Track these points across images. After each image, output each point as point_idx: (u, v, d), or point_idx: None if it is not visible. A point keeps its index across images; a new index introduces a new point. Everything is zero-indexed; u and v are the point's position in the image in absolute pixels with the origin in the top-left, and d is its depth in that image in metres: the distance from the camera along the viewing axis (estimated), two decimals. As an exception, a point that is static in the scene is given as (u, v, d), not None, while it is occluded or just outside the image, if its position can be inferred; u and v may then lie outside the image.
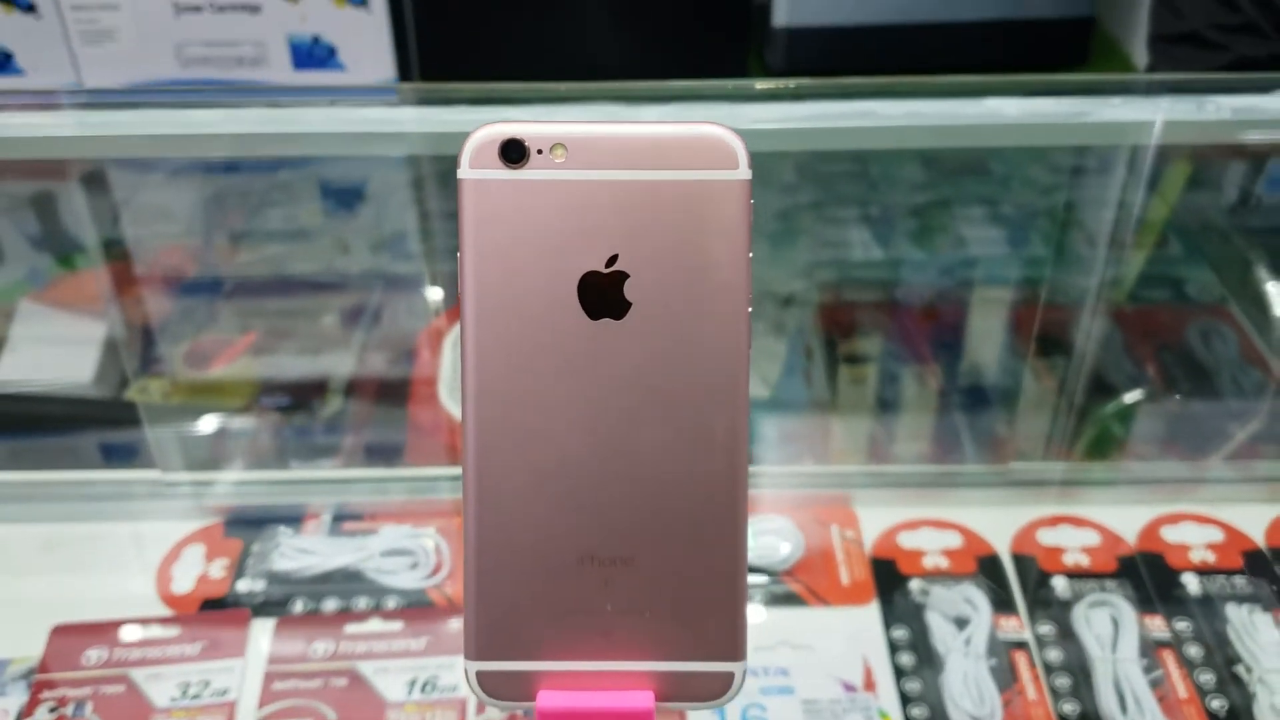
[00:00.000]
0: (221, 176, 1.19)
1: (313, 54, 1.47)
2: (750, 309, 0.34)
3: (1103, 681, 0.70)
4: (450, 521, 0.80)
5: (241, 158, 1.03)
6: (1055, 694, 0.70)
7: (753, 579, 0.77)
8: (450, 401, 0.93)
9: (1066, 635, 0.73)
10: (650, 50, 1.61)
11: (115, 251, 1.04)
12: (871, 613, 0.75)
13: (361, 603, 0.76)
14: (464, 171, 0.33)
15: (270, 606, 0.75)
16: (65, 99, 0.85)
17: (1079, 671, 0.71)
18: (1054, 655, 0.72)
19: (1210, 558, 0.78)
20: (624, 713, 0.35)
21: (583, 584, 0.34)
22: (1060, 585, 0.76)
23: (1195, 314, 0.98)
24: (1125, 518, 0.81)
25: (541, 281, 0.33)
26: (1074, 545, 0.79)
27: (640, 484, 0.34)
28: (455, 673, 0.71)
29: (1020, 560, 0.78)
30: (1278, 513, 0.81)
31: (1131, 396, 0.92)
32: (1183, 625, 0.74)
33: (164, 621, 0.74)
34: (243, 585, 0.77)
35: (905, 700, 0.70)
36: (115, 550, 0.81)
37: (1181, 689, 0.70)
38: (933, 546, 0.79)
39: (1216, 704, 0.69)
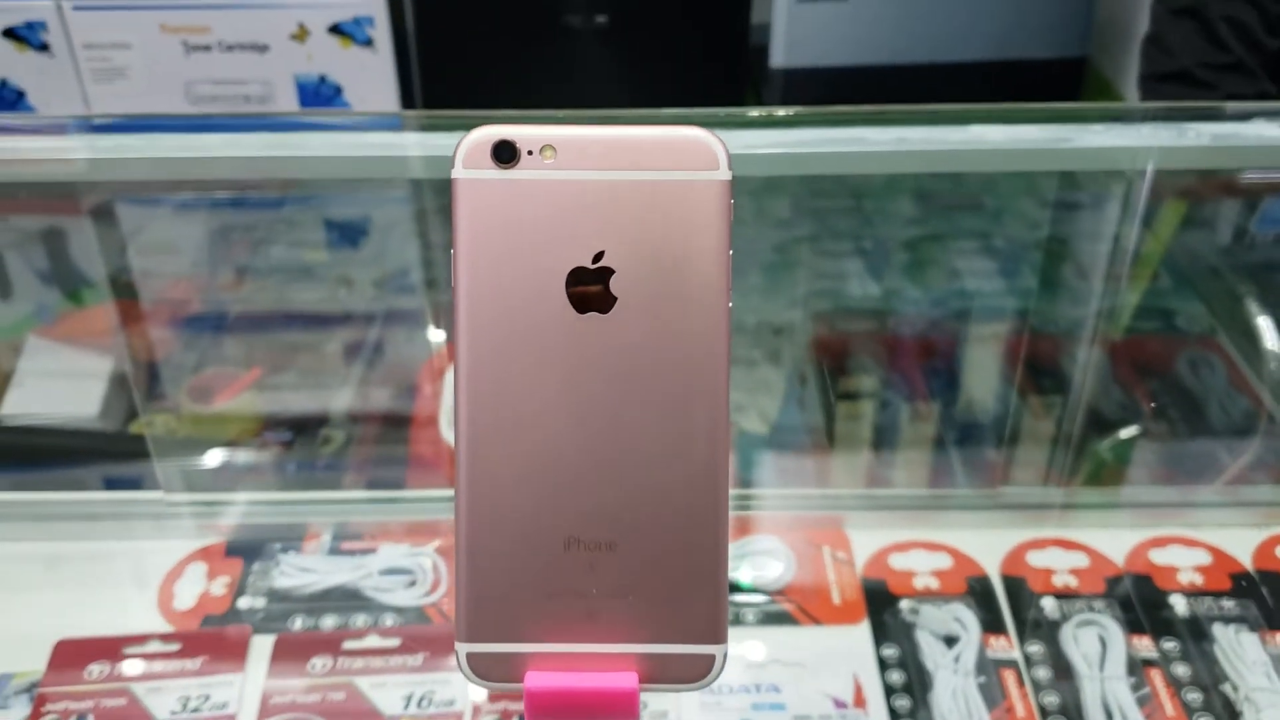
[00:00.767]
0: (227, 212, 1.21)
1: (319, 93, 1.49)
2: (730, 304, 0.35)
3: (1091, 700, 0.71)
4: (448, 541, 0.81)
5: (247, 184, 1.05)
6: (1044, 712, 0.71)
7: (746, 598, 0.78)
8: (451, 434, 0.95)
9: (1055, 654, 0.74)
10: (648, 91, 1.64)
11: (122, 286, 1.05)
12: (862, 632, 0.76)
13: (360, 620, 0.77)
14: (457, 171, 0.35)
15: (270, 623, 0.77)
16: (72, 126, 0.87)
17: (1067, 690, 0.72)
18: (1042, 674, 0.73)
19: (1198, 580, 0.79)
20: (608, 693, 0.36)
21: (569, 568, 0.36)
22: (1049, 605, 0.77)
23: (1185, 344, 1.00)
24: (1114, 541, 0.82)
25: (531, 277, 0.35)
26: (1063, 567, 0.80)
27: (624, 471, 0.36)
28: (452, 688, 0.72)
29: (1009, 581, 0.79)
30: (1265, 536, 0.82)
31: (1125, 431, 0.94)
32: (1170, 645, 0.75)
33: (165, 637, 0.75)
34: (243, 602, 0.78)
35: (895, 716, 0.70)
36: (118, 569, 0.82)
37: (1169, 707, 0.71)
38: (923, 568, 0.80)
39: (1203, 722, 0.70)
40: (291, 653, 0.74)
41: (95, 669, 0.73)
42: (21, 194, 1.09)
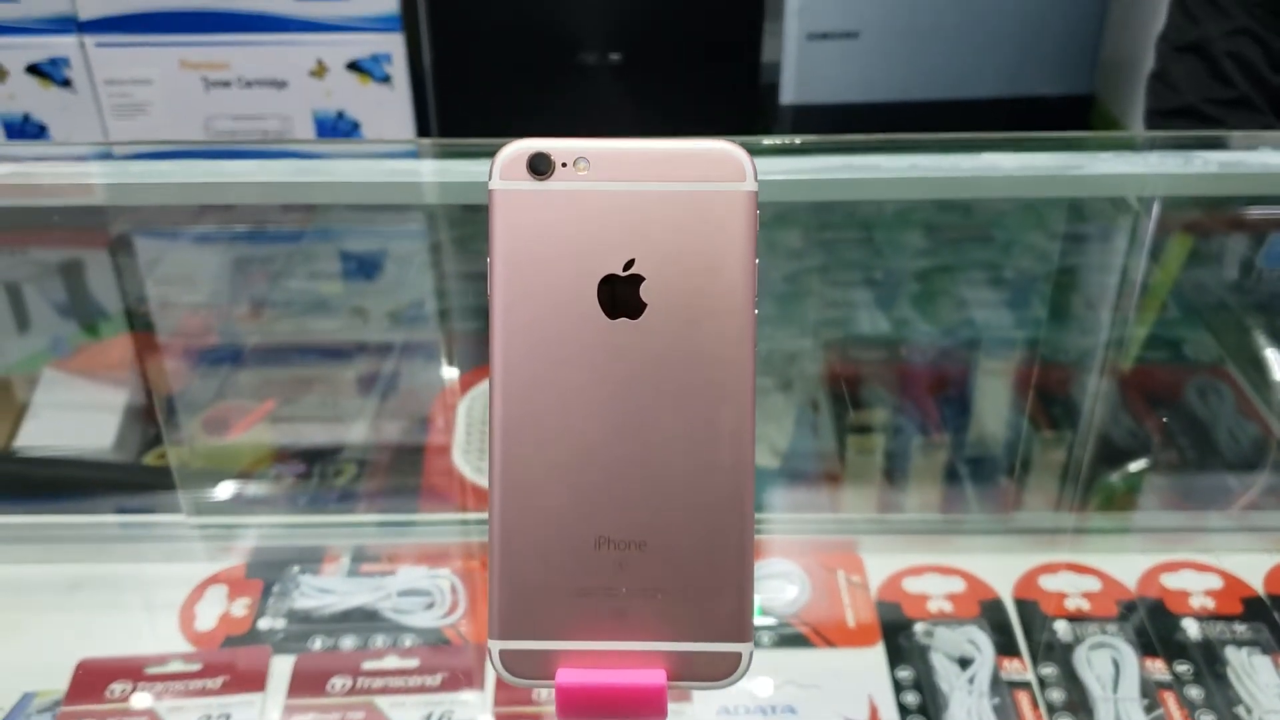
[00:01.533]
0: (245, 245, 1.22)
1: (337, 128, 1.52)
2: (756, 310, 0.37)
3: (1104, 720, 0.71)
4: (466, 564, 0.82)
5: (267, 209, 1.07)
6: (1058, 732, 0.71)
7: (761, 621, 0.79)
8: (464, 464, 0.96)
9: (1069, 676, 0.75)
10: (661, 128, 1.66)
11: (138, 319, 1.07)
12: (877, 654, 0.77)
13: (379, 640, 0.77)
14: (494, 183, 0.37)
15: (290, 643, 0.77)
16: (94, 153, 0.88)
17: (1081, 711, 0.72)
18: (1056, 695, 0.73)
19: (1210, 604, 0.80)
20: (637, 690, 0.37)
21: (599, 566, 0.37)
22: (1062, 628, 0.78)
23: (1194, 373, 1.01)
24: (1126, 565, 0.82)
25: (564, 284, 0.36)
26: (1075, 591, 0.81)
27: (653, 471, 0.37)
28: (470, 708, 0.73)
29: (1022, 605, 0.80)
30: (1276, 561, 0.83)
31: (1136, 458, 0.94)
32: (1183, 668, 0.75)
33: (187, 657, 0.76)
34: (264, 623, 0.79)
35: (910, 737, 0.71)
36: (139, 590, 0.83)
37: (1182, 728, 0.71)
38: (937, 591, 0.81)
39: (1217, 743, 0.70)
40: (311, 673, 0.75)
41: (117, 688, 0.74)
42: (42, 223, 1.11)
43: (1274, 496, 0.90)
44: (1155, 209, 0.83)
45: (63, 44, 1.48)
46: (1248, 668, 0.75)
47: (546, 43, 1.58)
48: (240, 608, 0.80)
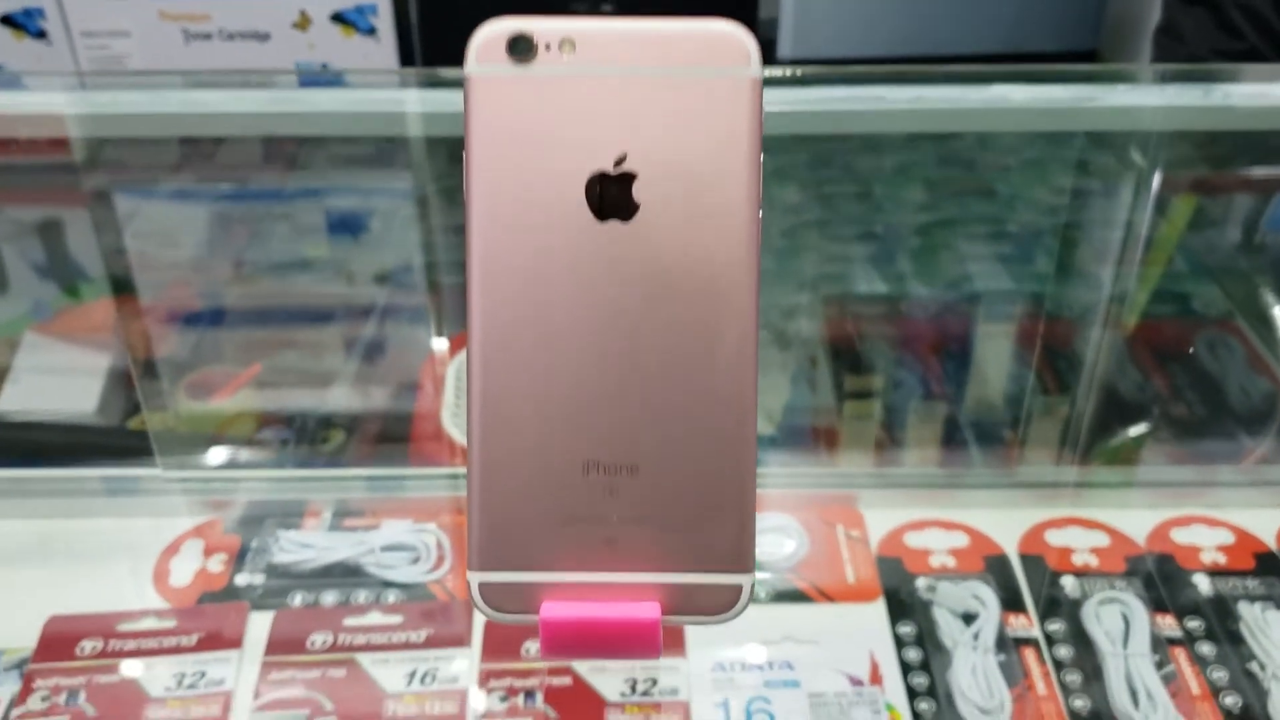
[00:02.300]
0: (227, 204, 1.19)
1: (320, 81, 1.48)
2: (760, 211, 0.33)
3: (1114, 676, 0.69)
4: (454, 518, 0.79)
5: (247, 154, 1.03)
6: (1066, 690, 0.69)
7: (758, 576, 0.76)
8: (453, 427, 0.93)
9: (1076, 632, 0.72)
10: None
11: (120, 282, 1.04)
12: (878, 609, 0.74)
13: (361, 596, 0.74)
14: (470, 67, 0.33)
15: (269, 600, 0.74)
16: (69, 83, 0.85)
17: (1090, 668, 0.70)
18: (1064, 652, 0.71)
19: (1221, 559, 0.77)
20: (629, 624, 0.34)
21: (588, 493, 0.34)
22: (1069, 584, 0.75)
23: (1202, 327, 0.98)
24: (1134, 520, 0.80)
25: (548, 182, 0.33)
26: (1083, 546, 0.78)
27: (647, 390, 0.33)
28: (456, 664, 0.70)
29: (1028, 560, 0.77)
30: (1289, 516, 0.80)
31: (1143, 412, 0.92)
32: (1194, 624, 0.73)
33: (161, 613, 0.73)
34: (241, 579, 0.76)
35: (912, 694, 0.68)
36: (112, 545, 0.80)
37: (1194, 685, 0.68)
38: (939, 546, 0.78)
39: (1230, 700, 0.68)
40: (290, 629, 0.72)
41: (88, 645, 0.71)
42: (18, 183, 1.08)
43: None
44: (1158, 172, 0.80)
45: (38, -6, 1.44)
46: (1261, 623, 0.72)
47: (537, -5, 1.54)
48: (217, 563, 0.77)
